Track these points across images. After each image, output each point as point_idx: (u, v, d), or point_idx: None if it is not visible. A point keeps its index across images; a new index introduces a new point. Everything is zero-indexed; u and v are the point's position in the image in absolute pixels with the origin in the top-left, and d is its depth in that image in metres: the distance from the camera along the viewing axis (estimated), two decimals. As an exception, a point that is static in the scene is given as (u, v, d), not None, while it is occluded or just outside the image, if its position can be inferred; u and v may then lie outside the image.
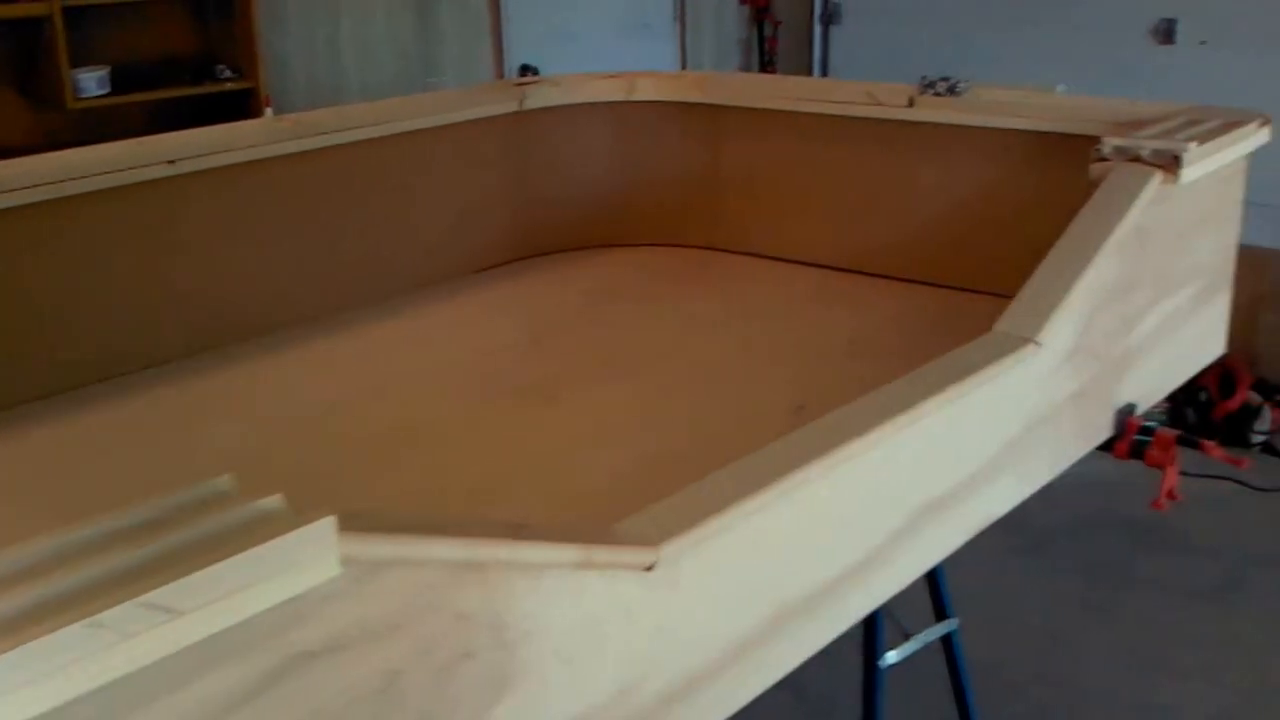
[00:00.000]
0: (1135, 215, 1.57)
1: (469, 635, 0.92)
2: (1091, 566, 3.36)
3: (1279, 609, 3.12)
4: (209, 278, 1.99)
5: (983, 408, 1.43)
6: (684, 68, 5.36)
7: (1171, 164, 1.61)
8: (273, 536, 0.76)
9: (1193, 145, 1.63)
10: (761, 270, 2.42)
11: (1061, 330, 1.50)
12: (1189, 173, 1.63)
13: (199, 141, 1.92)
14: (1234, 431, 4.14)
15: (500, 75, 4.67)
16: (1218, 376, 4.22)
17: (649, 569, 1.05)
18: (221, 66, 3.86)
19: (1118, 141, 1.66)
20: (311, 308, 2.12)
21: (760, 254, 2.48)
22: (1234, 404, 4.16)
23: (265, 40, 3.95)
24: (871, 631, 1.94)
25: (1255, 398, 4.16)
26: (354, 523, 0.80)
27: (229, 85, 3.82)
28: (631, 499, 1.13)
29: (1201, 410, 4.22)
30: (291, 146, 2.01)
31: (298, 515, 0.78)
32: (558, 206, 2.52)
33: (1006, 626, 3.08)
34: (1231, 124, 1.80)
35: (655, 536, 1.06)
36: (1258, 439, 4.12)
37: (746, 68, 5.61)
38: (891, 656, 1.96)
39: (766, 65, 5.54)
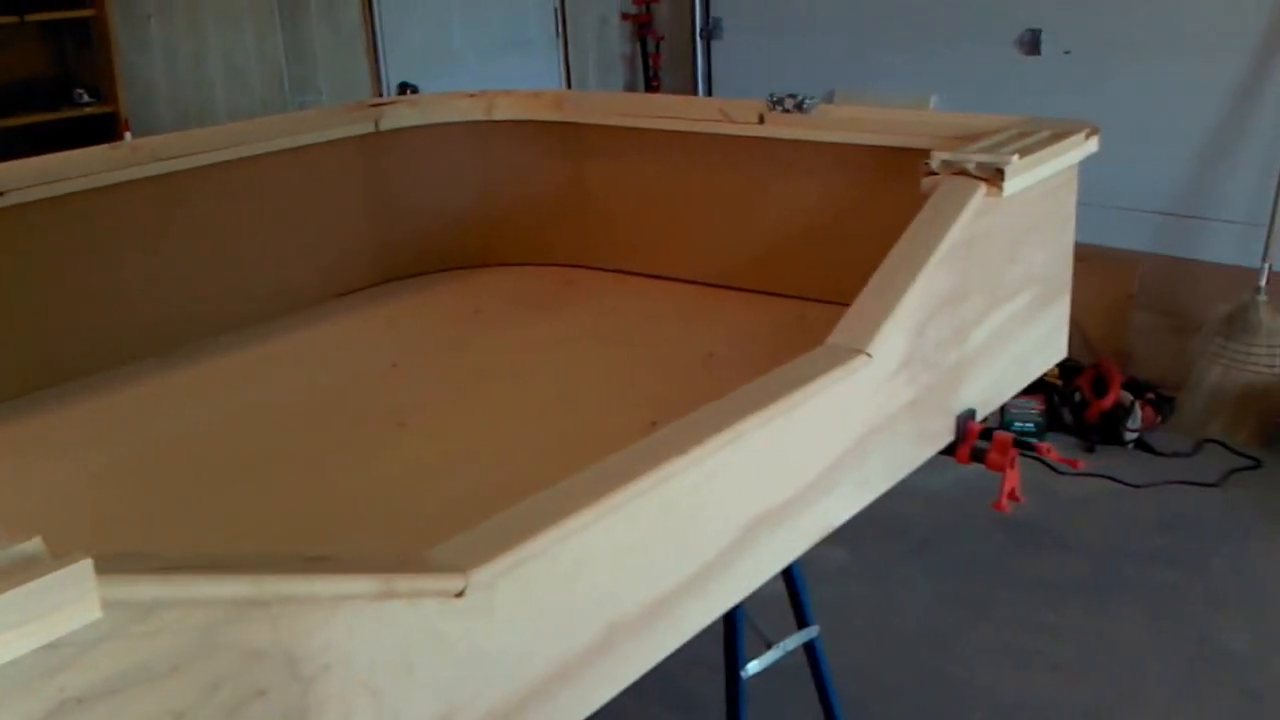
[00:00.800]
0: (961, 227, 1.61)
1: (261, 672, 0.91)
2: (970, 566, 3.43)
3: (1153, 605, 3.21)
4: (52, 310, 1.93)
5: (814, 420, 1.45)
6: (568, 85, 5.37)
7: (995, 177, 1.65)
8: (25, 581, 0.74)
9: (1015, 158, 1.67)
10: (626, 287, 2.43)
11: (892, 341, 1.53)
12: (1013, 184, 1.67)
13: (30, 171, 1.86)
14: (1108, 430, 4.26)
15: (379, 94, 4.62)
16: (1091, 377, 4.35)
17: (459, 595, 1.04)
18: (80, 91, 3.75)
19: (945, 156, 1.71)
20: (164, 339, 2.08)
21: (625, 270, 2.49)
22: (1107, 403, 4.29)
23: (128, 62, 3.85)
24: (733, 642, 1.95)
25: (1127, 397, 4.29)
26: (116, 565, 0.79)
27: (89, 110, 3.72)
28: (471, 525, 1.12)
29: (1077, 410, 4.34)
30: (131, 174, 1.97)
31: (55, 559, 0.76)
32: (421, 228, 2.50)
33: (887, 628, 3.12)
34: (1059, 135, 1.86)
35: (467, 562, 1.05)
36: (1130, 436, 4.24)
37: (631, 83, 5.64)
38: (753, 666, 1.97)
39: (651, 80, 5.58)
